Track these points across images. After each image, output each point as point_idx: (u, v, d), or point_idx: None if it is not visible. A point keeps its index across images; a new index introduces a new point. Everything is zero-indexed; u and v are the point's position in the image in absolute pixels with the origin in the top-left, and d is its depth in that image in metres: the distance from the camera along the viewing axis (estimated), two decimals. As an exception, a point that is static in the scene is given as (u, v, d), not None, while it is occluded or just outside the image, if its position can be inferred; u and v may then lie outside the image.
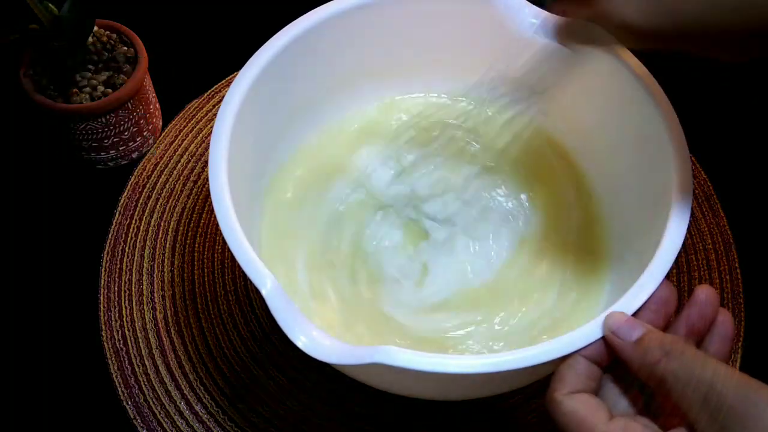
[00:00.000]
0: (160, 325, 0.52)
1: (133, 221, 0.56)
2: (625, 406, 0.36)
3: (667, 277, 0.38)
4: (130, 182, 0.58)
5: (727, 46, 0.34)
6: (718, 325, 0.37)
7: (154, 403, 0.49)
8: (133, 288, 0.54)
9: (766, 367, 0.49)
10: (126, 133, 0.57)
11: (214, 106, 0.62)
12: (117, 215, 0.57)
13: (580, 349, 0.36)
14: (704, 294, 0.37)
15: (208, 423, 0.49)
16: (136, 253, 0.55)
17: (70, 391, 0.51)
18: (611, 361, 0.37)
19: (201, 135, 0.60)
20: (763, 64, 0.64)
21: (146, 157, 0.59)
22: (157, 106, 0.61)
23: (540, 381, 0.48)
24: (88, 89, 0.55)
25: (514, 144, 0.54)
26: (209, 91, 0.63)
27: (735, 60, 0.35)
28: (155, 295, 0.53)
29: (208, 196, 0.55)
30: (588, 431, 0.33)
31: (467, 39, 0.53)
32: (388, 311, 0.48)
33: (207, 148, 0.59)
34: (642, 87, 0.46)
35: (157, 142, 0.60)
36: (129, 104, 0.56)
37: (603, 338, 0.36)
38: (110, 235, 0.56)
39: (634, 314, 0.37)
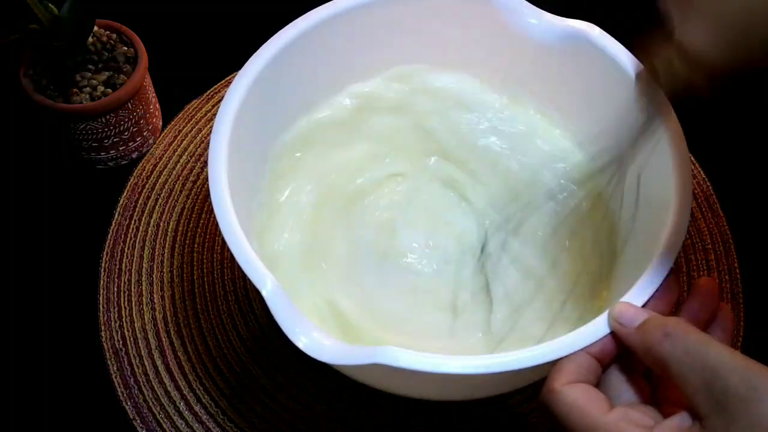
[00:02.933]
0: (159, 326, 0.52)
1: (133, 221, 0.56)
2: (631, 396, 0.36)
3: (667, 276, 0.38)
4: (129, 183, 0.58)
5: None
6: (718, 317, 0.37)
7: (153, 403, 0.49)
8: (132, 288, 0.54)
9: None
10: (126, 133, 0.57)
11: (213, 106, 0.62)
12: (116, 215, 0.57)
13: (582, 349, 0.36)
14: (705, 285, 0.37)
15: (207, 423, 0.49)
16: (136, 253, 0.55)
17: (70, 392, 0.51)
18: (612, 359, 0.37)
19: (200, 135, 0.60)
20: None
21: (145, 157, 0.59)
22: (157, 106, 0.61)
23: (541, 380, 0.49)
24: (88, 89, 0.55)
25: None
26: (209, 91, 0.63)
27: None
28: (155, 295, 0.53)
29: (207, 196, 0.55)
30: (587, 421, 0.33)
31: (467, 39, 0.53)
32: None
33: (206, 148, 0.59)
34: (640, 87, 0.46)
35: (156, 142, 0.60)
36: (129, 104, 0.55)
37: (605, 336, 0.36)
38: (109, 236, 0.56)
39: None
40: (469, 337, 0.48)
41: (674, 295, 0.38)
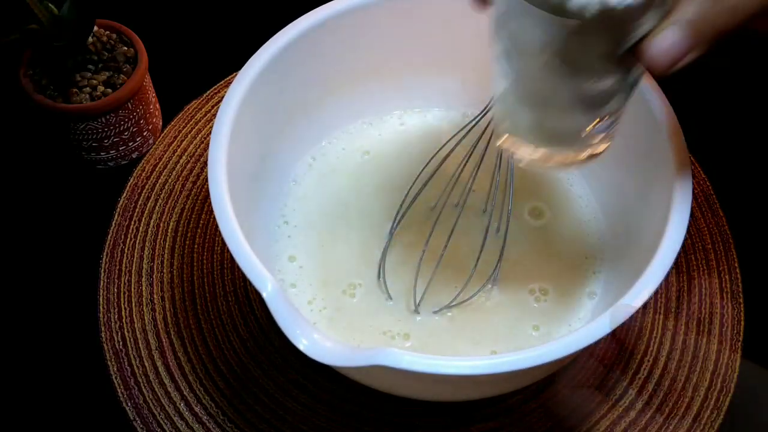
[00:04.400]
0: (159, 326, 0.52)
1: (132, 222, 0.56)
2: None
3: (667, 277, 0.38)
4: (128, 183, 0.58)
5: None
6: None
7: (153, 404, 0.49)
8: (132, 289, 0.54)
9: (766, 366, 0.49)
10: (126, 133, 0.57)
11: (213, 106, 0.62)
12: (116, 216, 0.56)
13: (585, 348, 0.36)
14: None
15: (207, 424, 0.49)
16: (136, 254, 0.55)
17: (70, 393, 0.51)
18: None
19: (200, 135, 0.60)
20: (762, 64, 0.64)
21: (145, 158, 0.59)
22: (157, 106, 0.60)
23: (542, 380, 0.49)
24: (88, 89, 0.55)
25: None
26: (209, 92, 0.63)
27: None
28: (155, 296, 0.53)
29: (207, 196, 0.55)
30: None
31: (466, 39, 0.53)
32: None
33: (206, 149, 0.59)
34: (640, 87, 0.46)
35: (156, 143, 0.60)
36: (129, 104, 0.55)
37: (605, 335, 0.36)
38: (109, 236, 0.56)
39: (638, 311, 0.37)
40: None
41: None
